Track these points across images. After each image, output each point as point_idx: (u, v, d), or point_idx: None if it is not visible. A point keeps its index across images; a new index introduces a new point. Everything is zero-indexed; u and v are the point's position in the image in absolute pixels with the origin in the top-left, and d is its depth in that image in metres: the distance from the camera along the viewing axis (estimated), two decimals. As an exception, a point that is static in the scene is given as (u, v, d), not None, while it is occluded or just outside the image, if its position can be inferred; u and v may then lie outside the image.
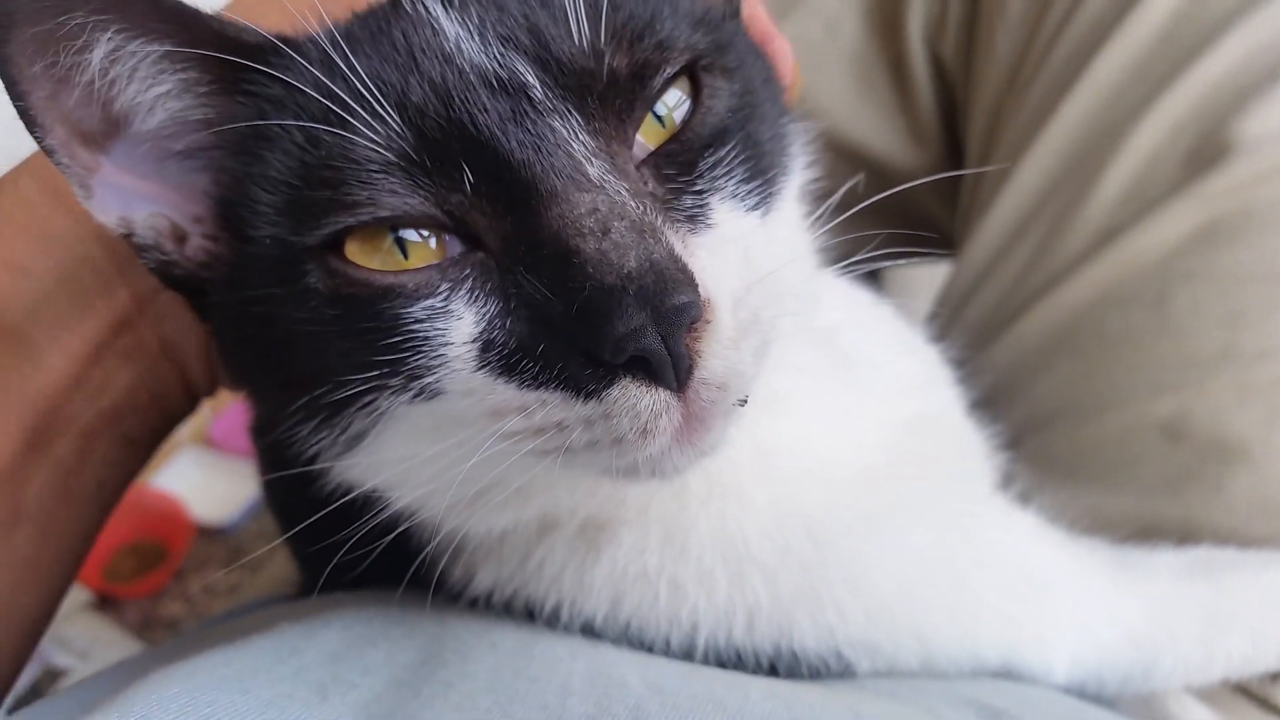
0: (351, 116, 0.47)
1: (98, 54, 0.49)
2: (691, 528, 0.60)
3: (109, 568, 1.71)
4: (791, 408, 0.63)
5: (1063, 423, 0.90)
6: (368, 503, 0.56)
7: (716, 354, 0.45)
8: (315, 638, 0.58)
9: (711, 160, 0.51)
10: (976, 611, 0.67)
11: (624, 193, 0.47)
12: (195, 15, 0.49)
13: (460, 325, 0.47)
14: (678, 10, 0.53)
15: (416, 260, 0.48)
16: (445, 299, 0.47)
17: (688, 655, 0.61)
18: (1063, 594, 0.70)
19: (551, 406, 0.46)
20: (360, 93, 0.47)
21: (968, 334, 0.99)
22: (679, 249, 0.46)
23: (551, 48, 0.49)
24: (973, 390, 0.80)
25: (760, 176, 0.53)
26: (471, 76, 0.48)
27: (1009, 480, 0.80)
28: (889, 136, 1.19)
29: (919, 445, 0.68)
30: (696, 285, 0.44)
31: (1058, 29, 0.99)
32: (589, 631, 0.61)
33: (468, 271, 0.48)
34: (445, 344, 0.47)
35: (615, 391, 0.44)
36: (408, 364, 0.47)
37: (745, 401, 0.49)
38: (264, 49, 0.50)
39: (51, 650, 1.51)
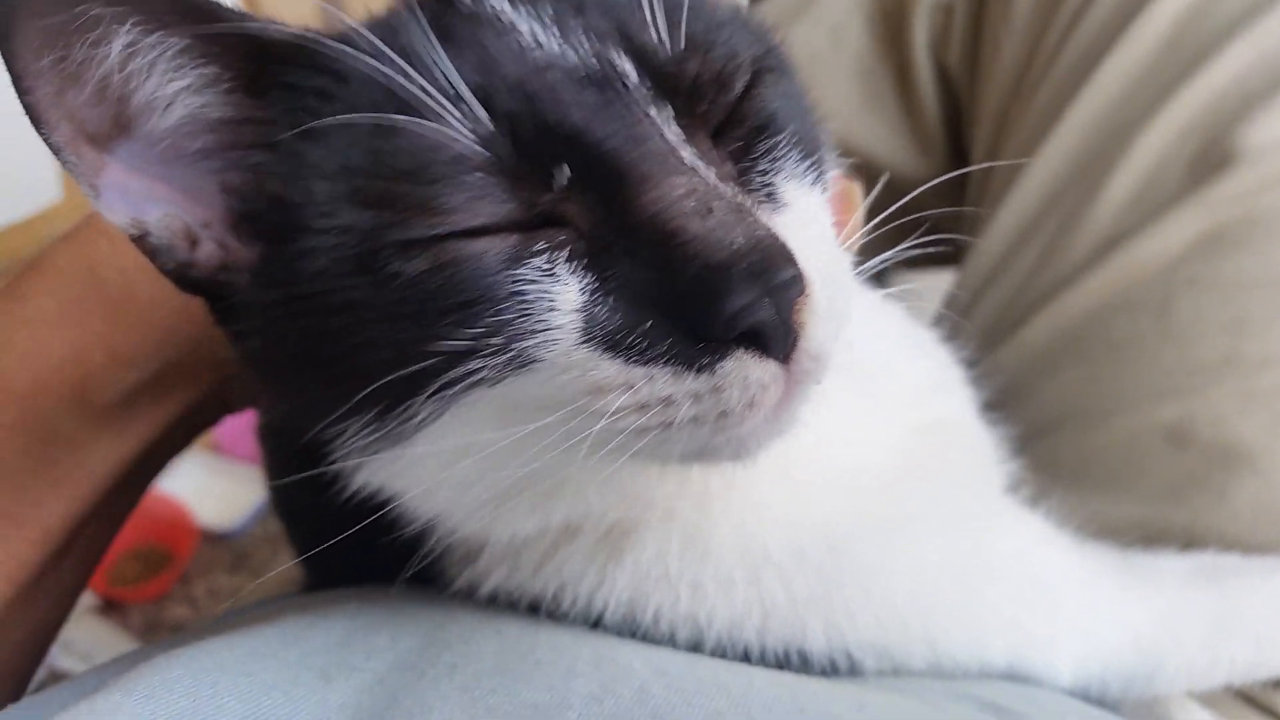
0: (441, 110, 0.46)
1: (114, 48, 0.47)
2: (713, 532, 0.60)
3: (113, 572, 1.71)
4: (810, 414, 0.63)
5: (1068, 428, 0.90)
6: (382, 507, 0.56)
7: (816, 325, 0.46)
8: (319, 626, 0.59)
9: (772, 143, 0.53)
10: (986, 617, 0.67)
11: (714, 176, 0.48)
12: (217, 8, 0.48)
13: (565, 292, 0.47)
14: (737, 21, 0.55)
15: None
16: (549, 261, 0.47)
17: (695, 650, 0.62)
18: (1069, 598, 0.70)
19: (660, 382, 0.46)
20: (445, 87, 0.47)
21: (975, 338, 0.99)
22: (774, 226, 0.47)
23: (641, 44, 0.50)
24: (983, 393, 0.80)
25: (812, 161, 0.55)
26: (559, 71, 0.48)
27: (1018, 484, 0.81)
28: (894, 145, 1.20)
29: (932, 450, 0.69)
30: (796, 260, 0.45)
31: (1063, 36, 0.99)
32: (597, 627, 0.61)
33: (563, 238, 0.48)
34: (551, 309, 0.46)
35: (729, 364, 0.45)
36: (511, 327, 0.46)
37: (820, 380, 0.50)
38: (303, 43, 0.50)
39: (55, 653, 1.51)
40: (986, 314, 1.01)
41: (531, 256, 0.47)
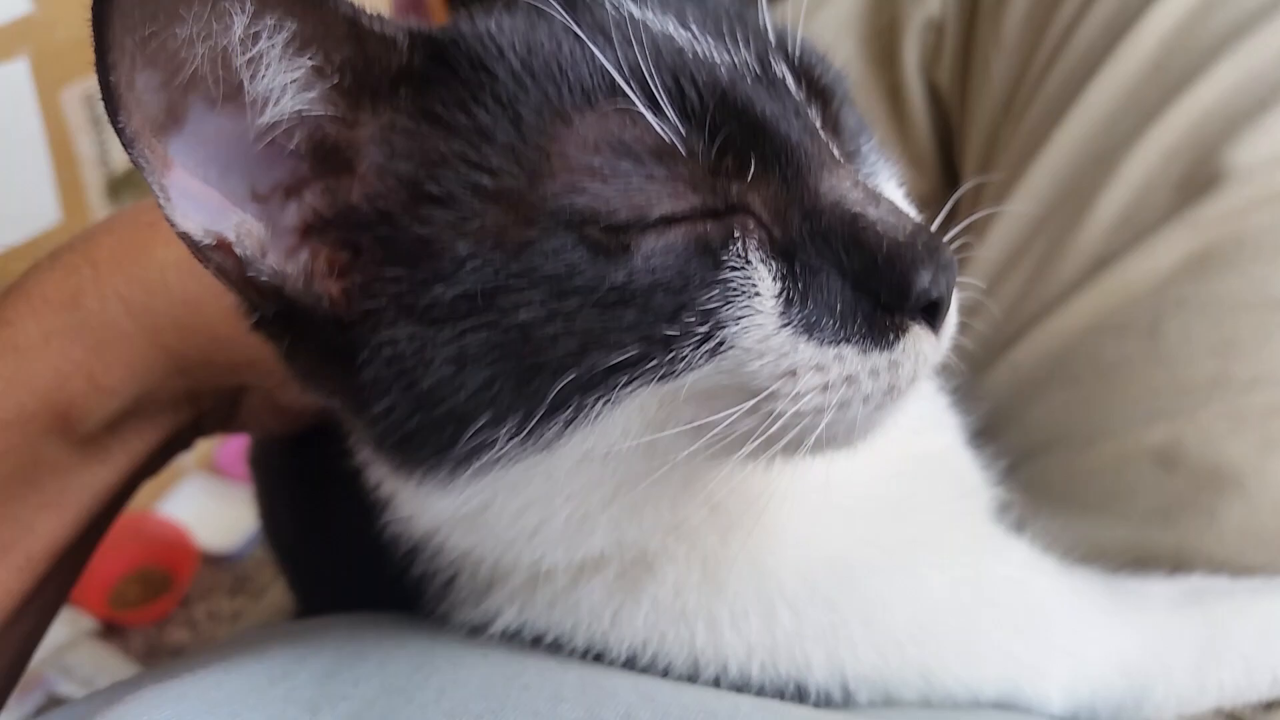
0: (635, 99, 0.47)
1: (216, 30, 0.45)
2: (732, 564, 0.60)
3: (114, 595, 1.71)
4: None
5: (1057, 451, 0.90)
6: (391, 540, 0.59)
7: (953, 303, 0.50)
8: (307, 661, 0.59)
9: (869, 147, 0.58)
10: (980, 645, 0.67)
11: (856, 172, 0.52)
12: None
13: (763, 278, 0.49)
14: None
15: None
16: (743, 248, 0.49)
17: (692, 682, 0.61)
18: (1059, 625, 0.70)
19: (848, 360, 0.48)
20: (639, 80, 0.48)
21: (963, 360, 0.99)
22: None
23: (789, 52, 0.53)
24: (970, 417, 0.80)
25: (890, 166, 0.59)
26: (732, 70, 0.50)
27: (1006, 507, 0.80)
28: (887, 165, 1.20)
29: (924, 479, 0.69)
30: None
31: (1052, 56, 0.99)
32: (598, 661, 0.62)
33: (751, 226, 0.50)
34: (755, 294, 0.48)
35: (909, 339, 0.48)
36: (717, 315, 0.47)
37: None
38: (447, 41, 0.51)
39: (55, 679, 1.51)
40: (975, 335, 1.01)
41: (730, 244, 0.48)
